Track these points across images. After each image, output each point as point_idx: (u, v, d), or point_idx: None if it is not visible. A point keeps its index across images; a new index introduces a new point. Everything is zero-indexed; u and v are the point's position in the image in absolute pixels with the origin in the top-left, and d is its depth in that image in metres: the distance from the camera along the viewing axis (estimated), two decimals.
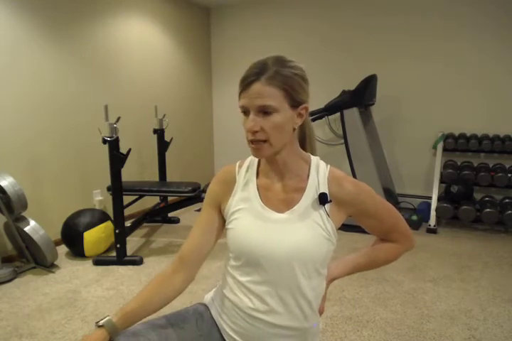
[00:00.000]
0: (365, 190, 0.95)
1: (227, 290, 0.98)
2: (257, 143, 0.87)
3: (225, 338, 0.99)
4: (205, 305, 1.06)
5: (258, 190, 0.95)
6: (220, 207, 1.00)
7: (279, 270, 0.90)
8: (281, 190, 0.94)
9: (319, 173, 0.94)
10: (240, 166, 1.01)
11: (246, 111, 0.87)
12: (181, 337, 0.95)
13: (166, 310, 1.02)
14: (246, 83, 0.85)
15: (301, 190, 0.93)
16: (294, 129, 0.90)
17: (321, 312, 0.99)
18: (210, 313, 1.03)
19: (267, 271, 0.90)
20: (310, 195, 0.92)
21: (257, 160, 1.00)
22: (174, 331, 0.95)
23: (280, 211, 0.92)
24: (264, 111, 0.85)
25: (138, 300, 0.94)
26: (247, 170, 0.99)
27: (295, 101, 0.87)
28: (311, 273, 0.91)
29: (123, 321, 0.91)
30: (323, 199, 0.90)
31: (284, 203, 0.93)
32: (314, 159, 0.97)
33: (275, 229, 0.91)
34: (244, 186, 0.97)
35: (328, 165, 0.97)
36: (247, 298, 0.93)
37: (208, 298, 1.08)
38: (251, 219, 0.93)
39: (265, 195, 0.95)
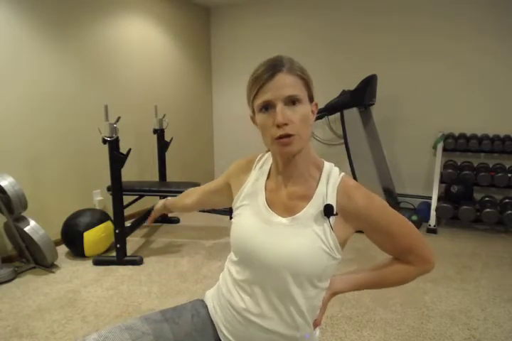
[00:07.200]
0: (377, 203, 0.88)
1: (225, 288, 0.98)
2: (286, 137, 0.81)
3: (220, 336, 0.99)
4: (204, 302, 1.06)
5: (265, 190, 0.94)
6: (230, 185, 1.06)
7: (269, 273, 0.87)
8: (286, 195, 0.91)
9: (329, 182, 0.89)
10: (259, 160, 1.01)
11: (268, 107, 0.83)
12: (175, 332, 0.96)
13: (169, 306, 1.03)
14: (268, 76, 0.81)
15: (307, 198, 0.88)
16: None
17: (316, 324, 0.94)
18: (207, 310, 1.03)
19: (258, 272, 0.89)
20: (316, 204, 0.87)
21: (271, 159, 0.97)
22: (169, 325, 0.96)
23: (282, 216, 0.90)
24: (292, 102, 0.82)
25: (176, 198, 1.35)
26: (261, 167, 0.99)
27: (311, 94, 0.86)
28: (304, 283, 0.87)
29: (169, 203, 1.35)
30: (328, 211, 0.85)
31: (287, 209, 0.90)
32: (327, 166, 0.92)
33: (273, 232, 0.88)
34: (254, 182, 0.97)
35: (342, 174, 0.91)
36: (240, 298, 0.92)
37: (207, 294, 1.08)
38: (252, 217, 0.92)
39: (270, 197, 0.93)
